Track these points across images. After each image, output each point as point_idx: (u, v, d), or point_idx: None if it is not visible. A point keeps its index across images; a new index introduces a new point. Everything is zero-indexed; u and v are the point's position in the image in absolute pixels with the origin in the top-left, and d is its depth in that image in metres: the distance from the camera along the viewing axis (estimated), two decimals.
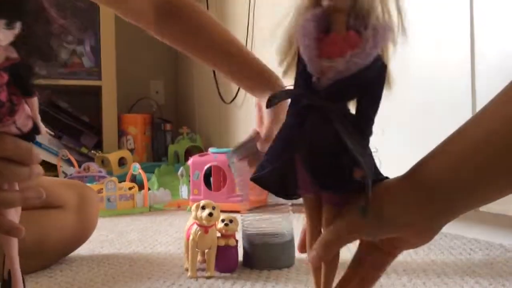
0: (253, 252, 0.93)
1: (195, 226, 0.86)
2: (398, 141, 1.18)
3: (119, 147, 2.56)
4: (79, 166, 1.96)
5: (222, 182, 1.65)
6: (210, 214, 0.84)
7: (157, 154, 2.71)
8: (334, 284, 0.48)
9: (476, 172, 0.41)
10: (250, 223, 0.93)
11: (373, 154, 0.45)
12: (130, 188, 1.66)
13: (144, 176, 1.72)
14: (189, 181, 1.69)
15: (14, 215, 0.57)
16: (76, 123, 2.56)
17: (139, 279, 0.87)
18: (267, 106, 0.45)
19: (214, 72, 2.21)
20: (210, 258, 0.87)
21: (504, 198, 0.43)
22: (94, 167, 1.93)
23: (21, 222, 0.57)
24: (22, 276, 0.58)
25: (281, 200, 0.91)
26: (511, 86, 0.42)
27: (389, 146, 1.01)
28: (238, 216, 0.92)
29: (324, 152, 0.42)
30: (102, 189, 1.61)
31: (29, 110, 0.54)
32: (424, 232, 0.45)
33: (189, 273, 0.86)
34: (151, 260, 1.00)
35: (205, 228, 0.86)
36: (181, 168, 1.76)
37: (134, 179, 1.85)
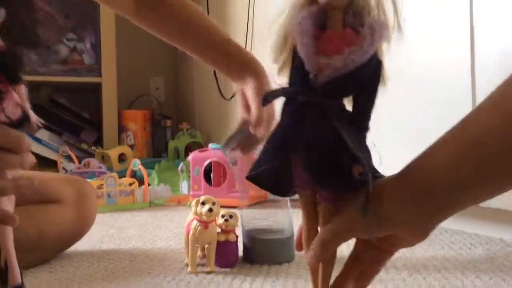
0: (253, 248, 0.93)
1: (195, 222, 0.87)
2: (398, 140, 1.18)
3: (119, 143, 2.56)
4: (79, 162, 1.95)
5: (222, 177, 1.66)
6: (210, 210, 0.85)
7: (157, 150, 2.71)
8: (332, 281, 0.48)
9: (476, 169, 0.40)
10: (250, 218, 0.94)
11: (372, 149, 0.44)
12: (130, 184, 1.67)
13: (144, 172, 1.73)
14: (189, 176, 1.69)
15: (8, 203, 0.57)
16: (77, 119, 2.56)
17: (139, 275, 0.87)
18: (263, 104, 0.45)
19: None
20: (210, 254, 0.87)
21: (504, 193, 0.42)
22: (94, 163, 1.93)
23: (20, 216, 0.57)
24: (20, 269, 0.58)
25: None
26: (510, 82, 0.42)
27: (389, 145, 1.01)
28: (238, 212, 0.93)
29: (323, 149, 0.42)
30: (102, 184, 1.62)
31: (18, 98, 0.54)
32: (420, 229, 0.45)
33: (189, 269, 0.87)
34: (151, 255, 1.00)
35: (205, 224, 0.86)
36: (181, 164, 1.76)
37: (134, 175, 1.86)
